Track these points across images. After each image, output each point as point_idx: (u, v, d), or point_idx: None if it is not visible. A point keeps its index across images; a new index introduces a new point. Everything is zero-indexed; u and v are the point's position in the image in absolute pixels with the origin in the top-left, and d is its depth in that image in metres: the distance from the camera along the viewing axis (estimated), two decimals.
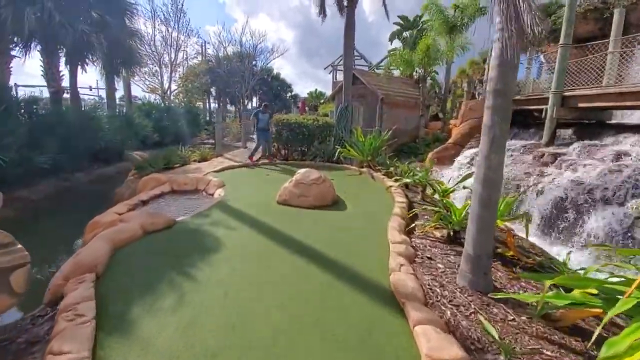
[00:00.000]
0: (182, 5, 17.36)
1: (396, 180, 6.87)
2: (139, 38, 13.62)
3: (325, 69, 31.54)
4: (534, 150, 8.24)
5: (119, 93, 16.38)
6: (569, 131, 8.42)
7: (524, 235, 4.32)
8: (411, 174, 7.26)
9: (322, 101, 39.73)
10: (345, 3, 10.12)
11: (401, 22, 18.21)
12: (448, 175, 9.56)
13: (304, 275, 3.08)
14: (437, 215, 4.58)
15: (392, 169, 8.46)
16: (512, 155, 8.65)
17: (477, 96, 14.80)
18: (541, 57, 13.55)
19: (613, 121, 8.89)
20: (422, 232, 4.54)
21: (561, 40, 7.98)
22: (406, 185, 6.96)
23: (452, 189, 5.24)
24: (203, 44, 25.37)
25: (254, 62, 25.89)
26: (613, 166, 5.81)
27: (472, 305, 2.68)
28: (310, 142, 10.88)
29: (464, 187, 5.53)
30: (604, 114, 8.69)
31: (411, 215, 4.89)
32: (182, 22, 17.54)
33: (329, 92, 43.36)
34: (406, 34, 18.22)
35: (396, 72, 17.39)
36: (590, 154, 6.81)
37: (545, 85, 10.17)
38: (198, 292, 2.72)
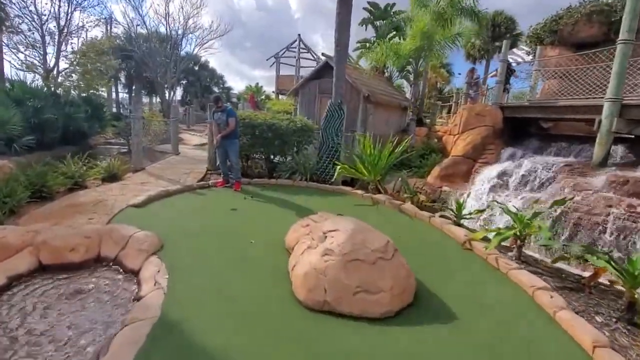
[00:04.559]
0: None
1: (464, 227, 4.38)
2: None
3: (267, 60, 28.17)
4: (591, 172, 6.58)
5: None
6: (619, 148, 7.02)
7: None
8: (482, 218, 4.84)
9: (261, 97, 36.10)
10: None
11: (371, 9, 16.17)
12: (471, 199, 7.45)
13: None
14: None
15: (422, 196, 6.02)
16: (555, 179, 6.91)
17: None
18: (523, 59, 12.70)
19: None
20: None
21: (621, 37, 6.48)
22: (461, 226, 4.53)
23: None
24: (108, 20, 20.00)
25: (183, 41, 21.12)
26: None
27: None
28: (284, 151, 7.83)
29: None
30: None
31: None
32: None
33: (269, 88, 39.96)
34: (378, 23, 16.26)
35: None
36: None
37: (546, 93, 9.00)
38: None
